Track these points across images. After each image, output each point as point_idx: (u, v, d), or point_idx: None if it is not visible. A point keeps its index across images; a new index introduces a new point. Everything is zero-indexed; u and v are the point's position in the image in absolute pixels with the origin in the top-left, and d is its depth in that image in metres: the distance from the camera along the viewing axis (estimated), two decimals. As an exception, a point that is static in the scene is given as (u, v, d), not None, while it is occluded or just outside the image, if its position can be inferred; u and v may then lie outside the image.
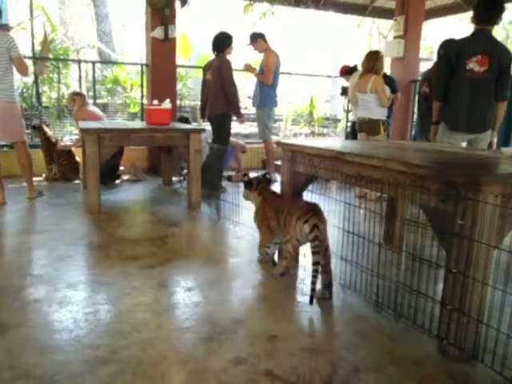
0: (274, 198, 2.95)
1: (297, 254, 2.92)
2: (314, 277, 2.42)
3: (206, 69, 5.28)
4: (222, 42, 5.13)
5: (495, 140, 3.98)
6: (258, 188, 3.05)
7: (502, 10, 3.67)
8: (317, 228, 2.47)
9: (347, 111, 6.91)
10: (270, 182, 3.15)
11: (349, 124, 7.99)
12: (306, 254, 3.10)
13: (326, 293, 2.57)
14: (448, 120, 3.85)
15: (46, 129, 5.63)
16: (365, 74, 4.99)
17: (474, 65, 3.61)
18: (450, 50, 3.75)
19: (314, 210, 2.55)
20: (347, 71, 6.17)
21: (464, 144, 4.00)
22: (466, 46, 3.67)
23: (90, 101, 6.37)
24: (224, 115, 5.13)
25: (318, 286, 2.53)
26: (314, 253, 2.46)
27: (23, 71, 4.36)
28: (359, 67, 6.20)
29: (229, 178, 5.64)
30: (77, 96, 5.69)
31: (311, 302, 2.45)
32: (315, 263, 2.43)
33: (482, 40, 3.64)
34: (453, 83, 3.73)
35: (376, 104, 4.97)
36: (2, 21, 4.32)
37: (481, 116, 3.73)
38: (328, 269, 2.56)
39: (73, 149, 5.68)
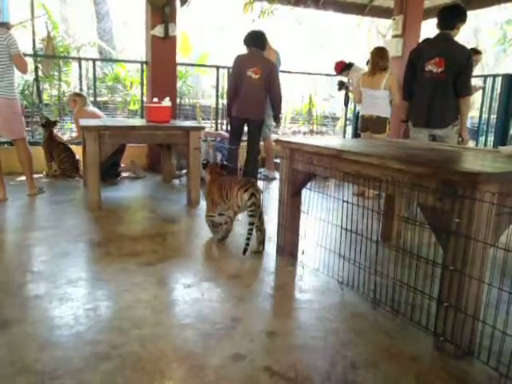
0: (218, 178, 3.52)
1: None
2: (249, 234, 3.09)
3: (247, 64, 4.98)
4: (262, 37, 5.10)
5: (466, 135, 4.17)
6: (209, 168, 3.65)
7: (460, 15, 3.94)
8: (254, 196, 3.10)
9: (346, 107, 6.92)
10: (223, 166, 3.78)
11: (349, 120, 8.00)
12: (304, 250, 3.13)
13: (261, 247, 3.23)
14: (411, 117, 4.19)
15: (54, 129, 5.62)
16: (378, 71, 5.01)
17: (432, 66, 3.92)
18: (413, 54, 4.13)
19: (251, 183, 3.20)
20: (344, 68, 6.22)
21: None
22: (425, 49, 4.02)
23: (91, 98, 6.39)
24: (263, 120, 5.20)
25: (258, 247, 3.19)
26: (250, 215, 3.10)
27: (22, 68, 4.36)
28: (356, 64, 6.27)
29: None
30: (78, 97, 5.70)
31: (244, 253, 3.08)
32: (251, 223, 3.09)
33: (440, 43, 3.94)
34: (415, 83, 4.07)
35: (386, 102, 5.04)
36: (2, 19, 4.33)
37: (439, 113, 3.99)
38: (262, 228, 3.22)
39: (72, 146, 5.70)
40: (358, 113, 6.24)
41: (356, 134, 6.37)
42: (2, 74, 4.22)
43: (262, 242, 3.24)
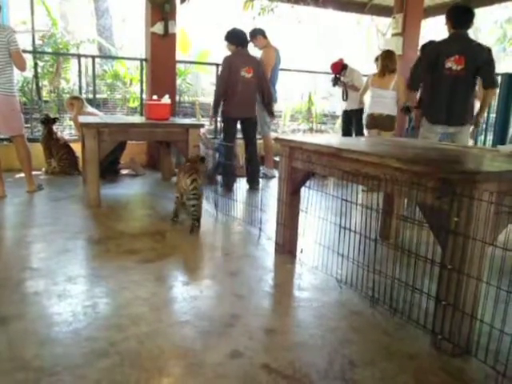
0: (182, 167, 3.89)
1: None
2: (194, 214, 3.58)
3: (239, 65, 5.00)
4: (245, 36, 5.16)
5: (480, 121, 4.34)
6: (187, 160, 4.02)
7: (473, 15, 4.01)
8: (195, 181, 3.56)
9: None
10: (203, 159, 3.94)
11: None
12: (303, 249, 3.13)
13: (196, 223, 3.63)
14: (429, 114, 4.19)
15: (53, 126, 5.62)
16: (387, 73, 5.39)
17: (451, 64, 3.96)
18: (430, 50, 4.20)
19: (194, 170, 3.64)
20: (342, 68, 6.37)
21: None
22: (444, 47, 4.05)
23: (90, 96, 6.37)
24: (256, 117, 5.34)
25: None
26: (192, 198, 3.56)
27: (21, 66, 4.34)
28: (349, 65, 6.42)
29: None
30: (75, 100, 5.67)
31: (191, 232, 3.54)
32: (193, 205, 3.57)
33: (458, 42, 3.99)
34: (434, 80, 4.08)
35: (394, 101, 5.39)
36: (2, 16, 4.32)
37: (459, 110, 4.05)
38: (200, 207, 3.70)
39: (72, 143, 5.69)
40: (346, 111, 6.45)
41: (346, 132, 6.53)
42: (2, 70, 4.21)
43: (198, 219, 3.66)
